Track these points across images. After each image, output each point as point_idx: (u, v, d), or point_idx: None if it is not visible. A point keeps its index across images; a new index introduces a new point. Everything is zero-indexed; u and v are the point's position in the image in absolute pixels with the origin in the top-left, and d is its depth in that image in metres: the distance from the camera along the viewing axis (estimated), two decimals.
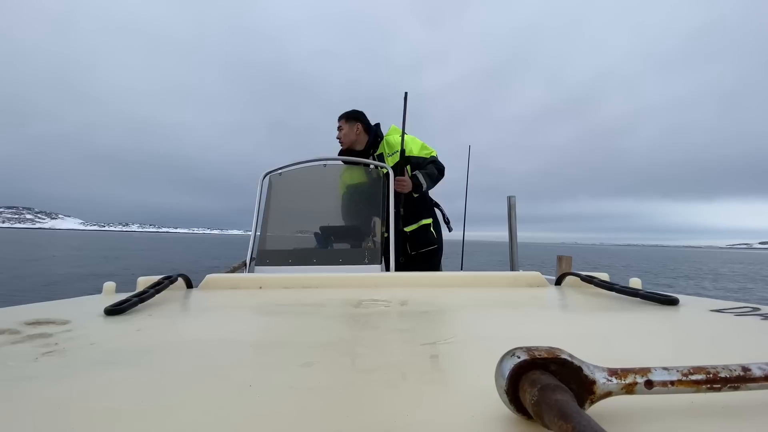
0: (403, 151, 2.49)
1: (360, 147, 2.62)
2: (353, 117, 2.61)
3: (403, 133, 2.53)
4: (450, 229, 2.83)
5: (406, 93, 2.51)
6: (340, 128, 2.62)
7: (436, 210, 2.81)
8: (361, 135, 2.61)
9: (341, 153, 2.68)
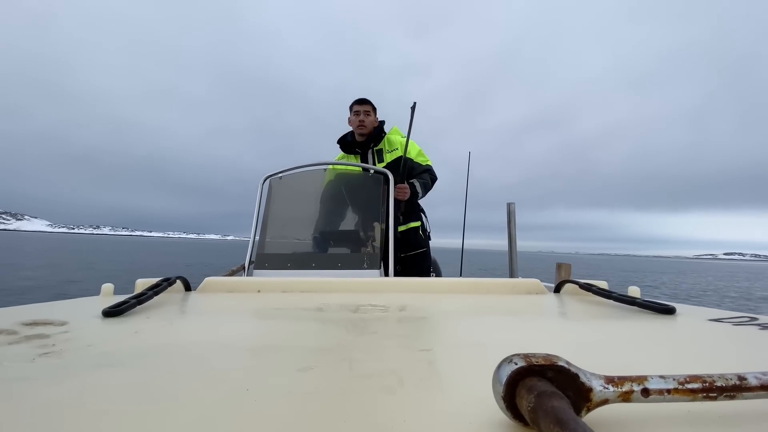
0: (405, 161, 2.49)
1: (364, 137, 2.62)
2: (375, 108, 2.63)
3: (408, 142, 2.51)
4: (429, 238, 2.83)
5: (414, 103, 2.49)
6: (367, 113, 2.57)
7: (422, 215, 2.82)
8: (375, 127, 2.63)
9: (341, 139, 2.68)
